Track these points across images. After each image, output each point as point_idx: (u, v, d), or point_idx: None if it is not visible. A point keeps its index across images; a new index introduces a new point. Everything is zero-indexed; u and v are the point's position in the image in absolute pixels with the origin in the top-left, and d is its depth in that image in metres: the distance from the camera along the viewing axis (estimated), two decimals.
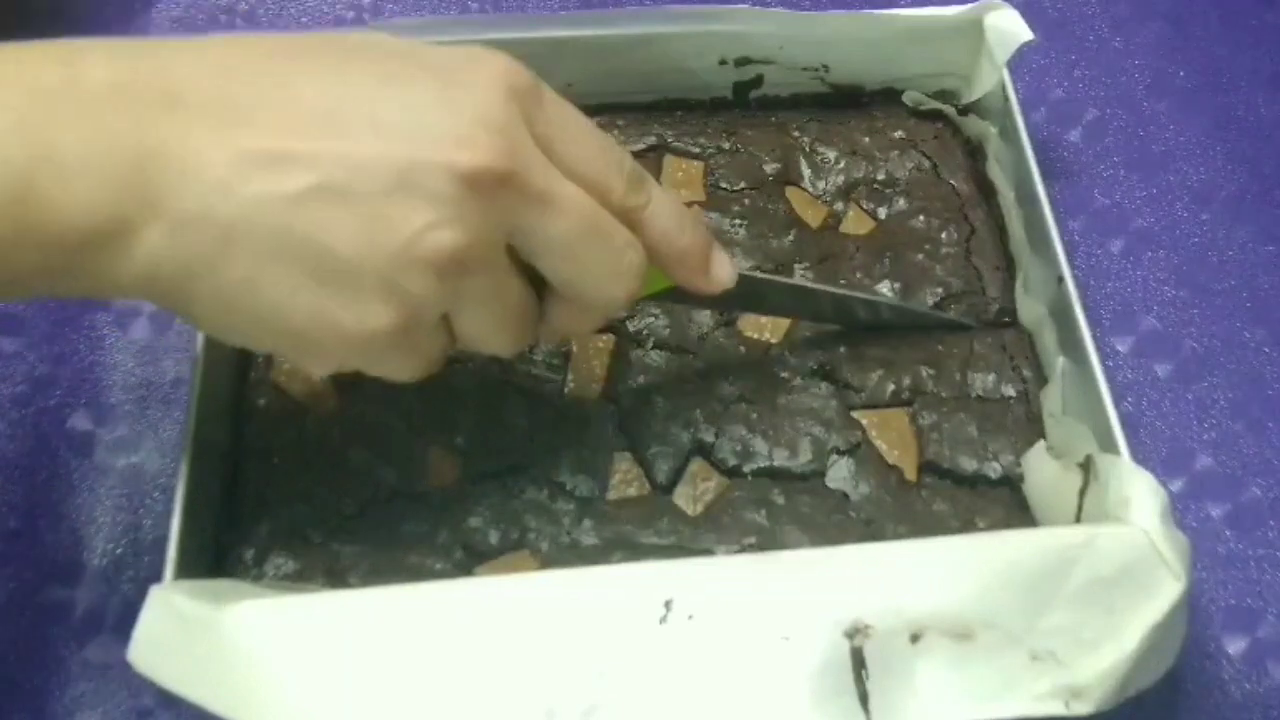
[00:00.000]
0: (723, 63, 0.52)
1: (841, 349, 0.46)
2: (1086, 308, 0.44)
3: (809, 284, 0.47)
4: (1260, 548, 0.46)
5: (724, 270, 0.39)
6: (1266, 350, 0.51)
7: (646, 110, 0.53)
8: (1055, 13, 0.62)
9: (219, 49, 0.32)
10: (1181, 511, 0.46)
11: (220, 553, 0.41)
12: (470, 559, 0.41)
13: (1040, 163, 0.48)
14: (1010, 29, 0.50)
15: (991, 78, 0.51)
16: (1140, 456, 0.40)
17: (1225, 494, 0.47)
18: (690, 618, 0.34)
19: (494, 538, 0.41)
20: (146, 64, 0.31)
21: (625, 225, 0.35)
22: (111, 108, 0.29)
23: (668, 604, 0.34)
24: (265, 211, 0.30)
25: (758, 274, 0.43)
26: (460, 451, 0.43)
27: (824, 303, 0.46)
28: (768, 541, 0.41)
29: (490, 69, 0.33)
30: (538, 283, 0.36)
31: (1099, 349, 0.43)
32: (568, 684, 0.33)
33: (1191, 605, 0.42)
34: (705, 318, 0.47)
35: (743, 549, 0.41)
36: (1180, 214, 0.55)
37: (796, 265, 0.48)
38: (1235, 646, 0.44)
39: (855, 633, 0.34)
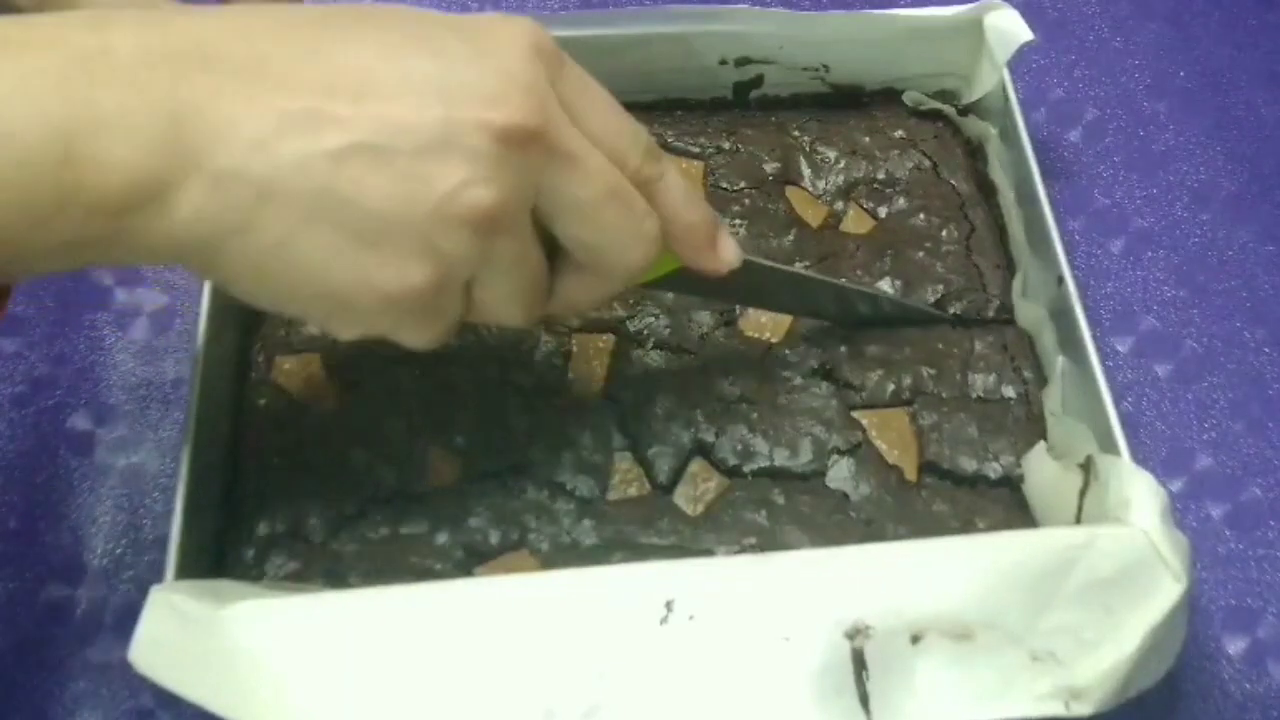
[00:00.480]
0: (723, 63, 0.52)
1: (842, 349, 0.46)
2: (1086, 308, 0.44)
3: (811, 274, 0.47)
4: (1260, 548, 0.46)
5: (730, 250, 0.39)
6: (1266, 350, 0.51)
7: (646, 110, 0.53)
8: (1055, 13, 0.62)
9: (249, 15, 0.32)
10: (1181, 511, 0.47)
11: (220, 553, 0.41)
12: (470, 559, 0.41)
13: (1040, 163, 0.48)
14: (1010, 29, 0.50)
15: (991, 78, 0.51)
16: (1140, 456, 0.40)
17: (1225, 494, 0.47)
18: (691, 618, 0.34)
19: (494, 538, 0.41)
20: (177, 28, 0.31)
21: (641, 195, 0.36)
22: (146, 69, 0.29)
23: (668, 604, 0.34)
24: (303, 171, 0.30)
25: (762, 261, 0.43)
26: (460, 451, 0.43)
27: (825, 295, 0.46)
28: (768, 542, 0.41)
29: (516, 30, 0.33)
30: (550, 254, 0.36)
31: (1099, 349, 0.43)
32: (568, 684, 0.33)
33: (1191, 605, 0.42)
34: (705, 317, 0.47)
35: (743, 549, 0.41)
36: (1180, 214, 0.55)
37: (797, 264, 0.48)
38: (1235, 646, 0.44)
39: (856, 633, 0.34)
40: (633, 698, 0.33)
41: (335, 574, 0.40)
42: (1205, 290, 0.52)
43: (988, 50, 0.51)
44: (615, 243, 0.35)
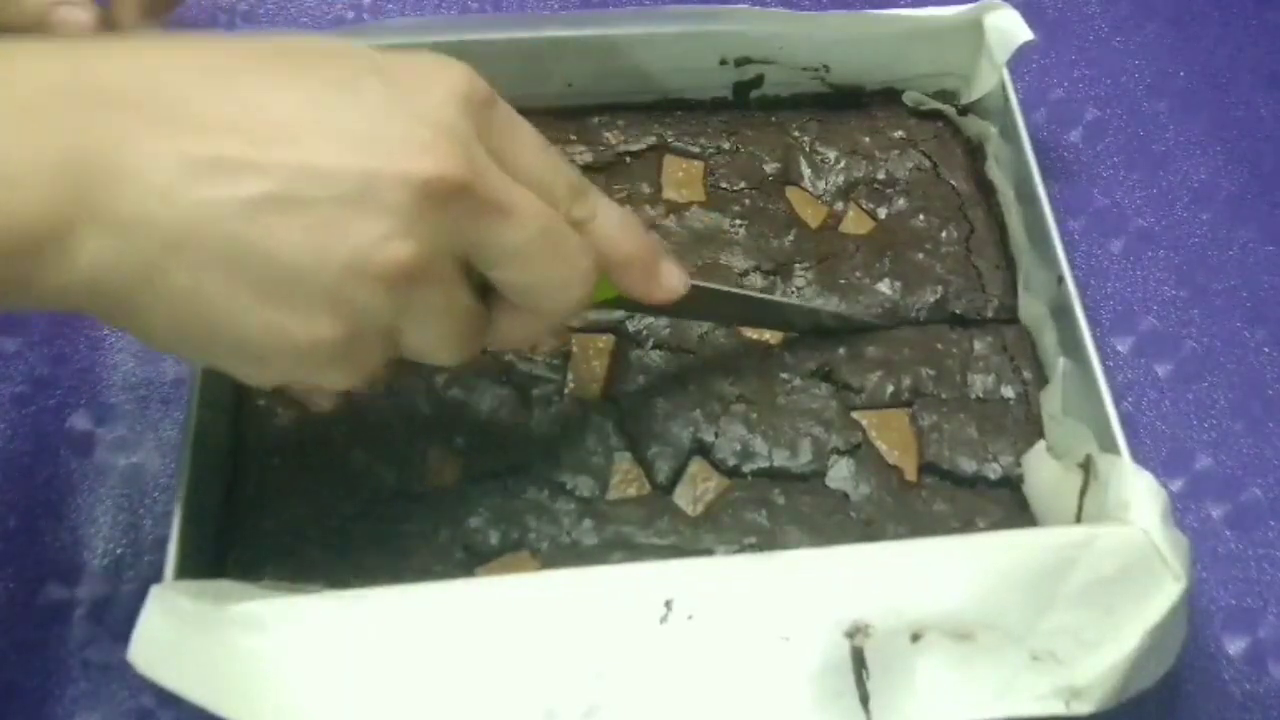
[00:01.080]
0: (723, 63, 0.52)
1: (841, 350, 0.46)
2: (1086, 308, 0.44)
3: (758, 294, 0.46)
4: (1260, 548, 0.46)
5: (673, 278, 0.38)
6: (1266, 350, 0.51)
7: (646, 110, 0.53)
8: (1055, 13, 0.62)
9: (162, 51, 0.31)
10: (1181, 511, 0.46)
11: (220, 553, 0.41)
12: (470, 559, 0.41)
13: (1040, 163, 0.48)
14: (1010, 29, 0.50)
15: (991, 78, 0.51)
16: (1140, 456, 0.40)
17: (1225, 494, 0.47)
18: (690, 618, 0.34)
19: (494, 538, 0.41)
20: (84, 65, 0.30)
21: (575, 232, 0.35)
22: (47, 109, 0.28)
23: (668, 604, 0.34)
24: (212, 219, 0.29)
25: (708, 284, 0.43)
26: (460, 451, 0.43)
27: (774, 313, 0.46)
28: (768, 542, 0.41)
29: (445, 77, 0.32)
30: (485, 291, 0.35)
31: (1099, 349, 0.43)
32: (568, 684, 0.33)
33: (1191, 605, 0.42)
34: None
35: (743, 549, 0.41)
36: (1180, 214, 0.55)
37: (797, 265, 0.48)
38: (1235, 646, 0.44)
39: (855, 633, 0.34)
40: (632, 697, 0.33)
41: (335, 574, 0.40)
42: (1205, 290, 0.52)
43: (987, 50, 0.51)
44: (550, 284, 0.34)
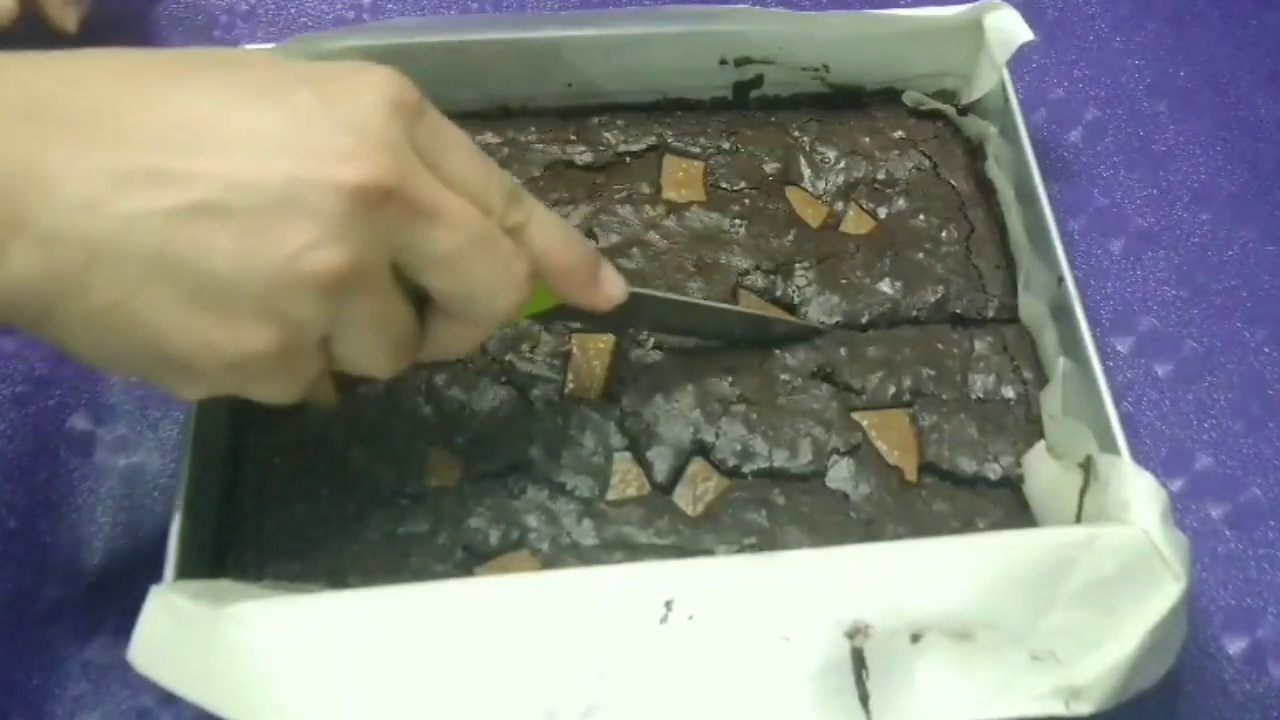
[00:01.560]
0: (723, 63, 0.52)
1: (841, 350, 0.46)
2: (1086, 308, 0.44)
3: (702, 301, 0.46)
4: (1260, 548, 0.46)
5: (612, 286, 0.38)
6: (1266, 350, 0.51)
7: (646, 110, 0.53)
8: (1055, 13, 0.62)
9: (88, 62, 0.31)
10: (1181, 511, 0.46)
11: (220, 553, 0.41)
12: (470, 559, 0.41)
13: (1040, 163, 0.48)
14: (1010, 29, 0.50)
15: (991, 78, 0.51)
16: (1140, 456, 0.40)
17: (1225, 494, 0.47)
18: (690, 618, 0.34)
19: (494, 538, 0.41)
20: (7, 76, 0.29)
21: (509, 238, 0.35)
22: None
23: (668, 604, 0.34)
24: (137, 230, 0.29)
25: (649, 291, 0.42)
26: (460, 451, 0.43)
27: (717, 320, 0.45)
28: (768, 542, 0.41)
29: (372, 81, 0.32)
30: (418, 301, 0.35)
31: (1099, 349, 0.43)
32: (568, 684, 0.33)
33: (1191, 605, 0.42)
34: None
35: (743, 549, 0.41)
36: (1180, 214, 0.55)
37: (797, 264, 0.48)
38: (1235, 646, 0.44)
39: (855, 633, 0.34)
40: (632, 697, 0.33)
41: (335, 574, 0.40)
42: (1205, 290, 0.52)
43: (987, 50, 0.51)
44: (483, 292, 0.34)
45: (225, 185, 0.29)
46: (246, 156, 0.30)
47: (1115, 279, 0.53)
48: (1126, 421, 0.41)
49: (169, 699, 0.34)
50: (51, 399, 0.48)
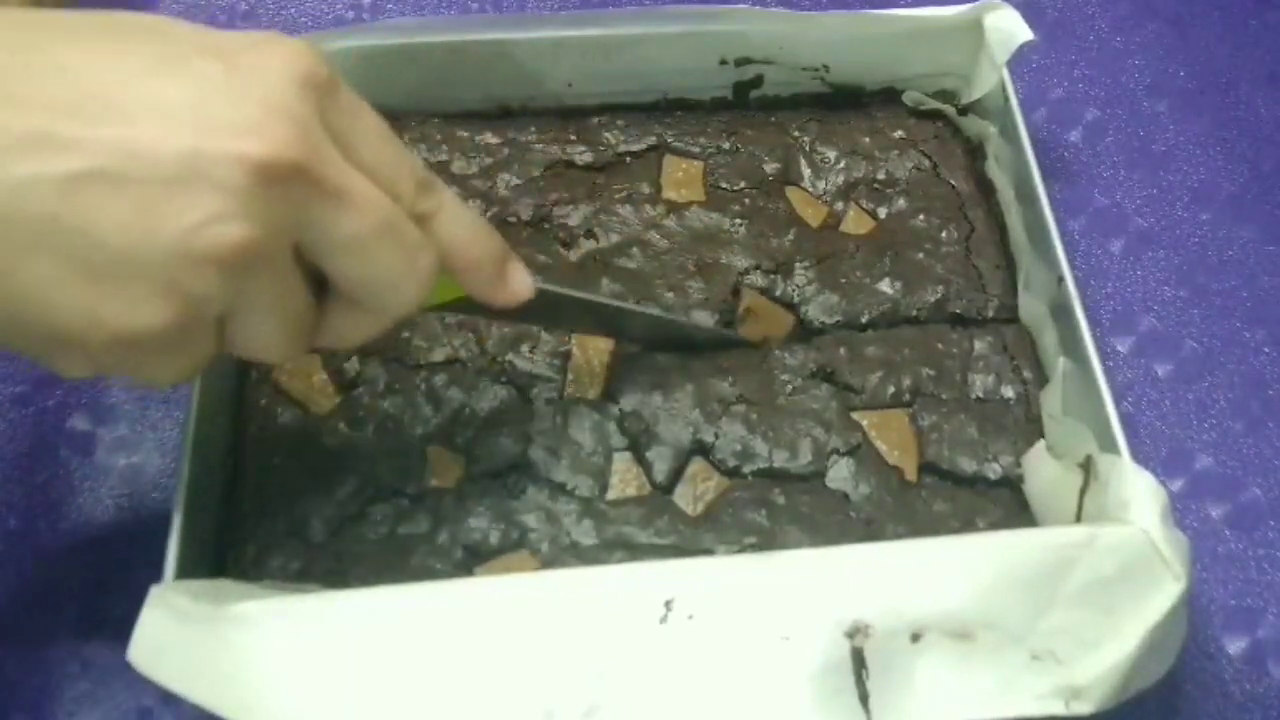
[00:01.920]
0: (723, 63, 0.52)
1: (841, 350, 0.46)
2: (1086, 308, 0.44)
3: (612, 302, 0.46)
4: (1260, 548, 0.46)
5: (520, 282, 0.37)
6: (1266, 350, 0.51)
7: (646, 110, 0.53)
8: (1055, 13, 0.62)
9: None
10: (1181, 511, 0.46)
11: (220, 553, 0.41)
12: (470, 559, 0.41)
13: (1040, 163, 0.48)
14: (1010, 29, 0.50)
15: (991, 78, 0.51)
16: (1140, 456, 0.40)
17: (1225, 494, 0.47)
18: (690, 618, 0.34)
19: (494, 538, 0.41)
20: None
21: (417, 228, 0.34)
22: None
23: (668, 604, 0.34)
24: (26, 197, 0.27)
25: (557, 289, 0.41)
26: (460, 451, 0.43)
27: (628, 321, 0.45)
28: (768, 542, 0.41)
29: (283, 54, 0.31)
30: (318, 286, 0.33)
31: (1099, 349, 0.43)
32: (567, 684, 0.33)
33: (1191, 605, 0.42)
34: (705, 318, 0.47)
35: (743, 549, 0.41)
36: (1180, 214, 0.55)
37: (797, 264, 0.48)
38: (1235, 646, 0.44)
39: (855, 633, 0.34)
40: (632, 697, 0.33)
41: (335, 574, 0.40)
42: (1205, 290, 0.52)
43: (987, 50, 0.51)
44: (386, 280, 0.33)
45: (124, 154, 0.28)
46: (147, 125, 0.28)
47: (1115, 279, 0.53)
48: (1126, 421, 0.41)
49: (169, 699, 0.34)
50: (51, 399, 0.48)
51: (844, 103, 0.54)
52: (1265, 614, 0.44)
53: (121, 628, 0.33)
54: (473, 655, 0.33)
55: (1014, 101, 0.50)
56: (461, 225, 0.35)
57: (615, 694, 0.33)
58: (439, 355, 0.45)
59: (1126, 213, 0.55)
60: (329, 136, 0.31)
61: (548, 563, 0.41)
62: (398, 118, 0.52)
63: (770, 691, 0.33)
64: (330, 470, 0.42)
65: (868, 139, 0.52)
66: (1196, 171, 0.56)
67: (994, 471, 0.43)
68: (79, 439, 0.47)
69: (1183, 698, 0.43)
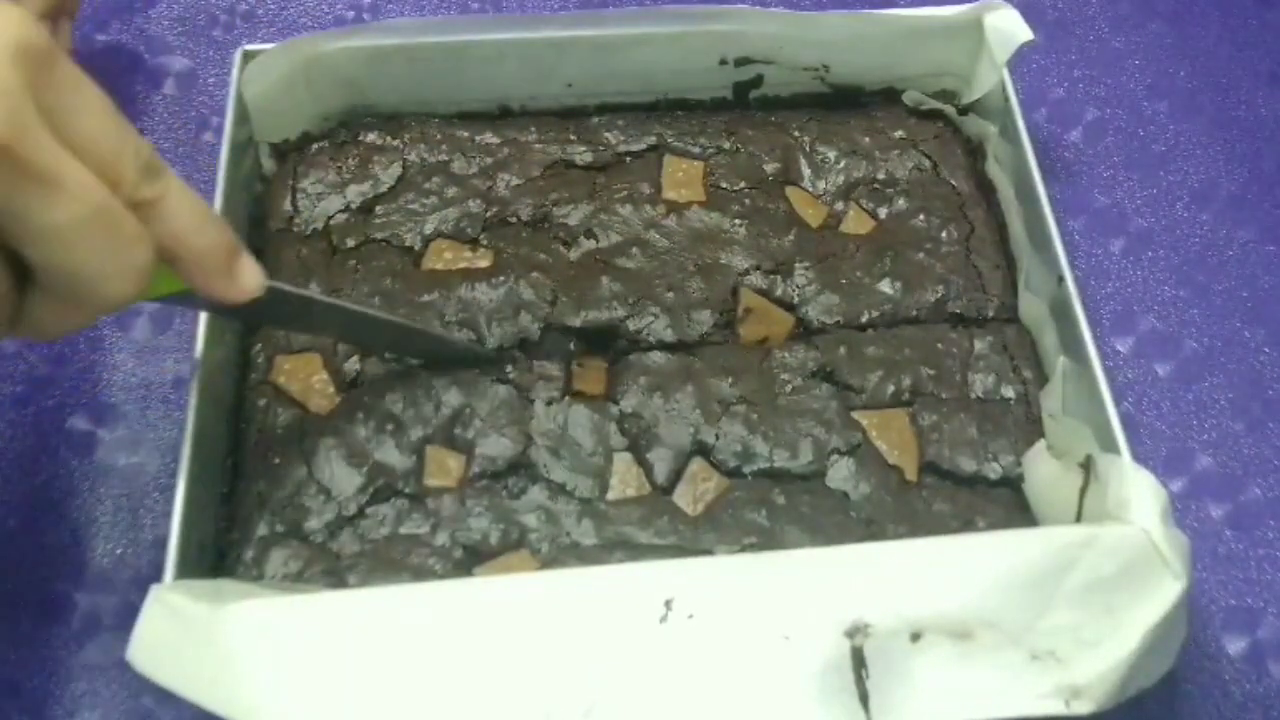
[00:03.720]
0: (723, 63, 0.52)
1: (841, 350, 0.46)
2: (1086, 307, 0.44)
3: (356, 307, 0.44)
4: (1260, 548, 0.46)
5: (249, 277, 0.35)
6: (1267, 350, 0.51)
7: (647, 110, 0.53)
8: (1055, 13, 0.62)
9: None
10: (1181, 511, 0.46)
11: (220, 553, 0.41)
12: (470, 559, 0.41)
13: (1040, 163, 0.48)
14: (1010, 29, 0.50)
15: (991, 78, 0.51)
16: (1140, 456, 0.40)
17: (1225, 494, 0.47)
18: (690, 617, 0.34)
19: (494, 538, 0.41)
20: None
21: (134, 218, 0.31)
22: None
23: (668, 604, 0.34)
24: None
25: (293, 289, 0.40)
26: (460, 451, 0.43)
27: (376, 331, 0.44)
28: (768, 541, 0.41)
29: None
30: (18, 271, 0.31)
31: (1099, 349, 0.43)
32: (567, 684, 0.33)
33: (1191, 605, 0.42)
34: (705, 317, 0.47)
35: (743, 549, 0.41)
36: (1180, 214, 0.55)
37: (797, 264, 0.48)
38: (1235, 646, 0.44)
39: (855, 632, 0.34)
40: (631, 697, 0.33)
41: (335, 574, 0.40)
42: (1205, 290, 0.52)
43: (988, 50, 0.51)
44: (93, 274, 0.30)
45: None
46: None
47: (1115, 279, 0.53)
48: (1127, 421, 0.41)
49: (169, 699, 0.34)
50: (51, 399, 0.48)
51: (844, 103, 0.54)
52: (1265, 614, 0.44)
53: (121, 628, 0.34)
54: (471, 655, 0.33)
55: (1014, 101, 0.50)
56: (186, 214, 0.32)
57: (615, 693, 0.33)
58: (439, 356, 0.45)
59: (1126, 213, 0.55)
60: (39, 113, 0.28)
61: (547, 563, 0.41)
62: (398, 118, 0.52)
63: (770, 691, 0.33)
64: (330, 470, 0.42)
65: (868, 139, 0.52)
66: (1196, 171, 0.56)
67: (994, 471, 0.43)
68: (79, 439, 0.47)
69: (1183, 698, 0.43)
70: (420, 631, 0.33)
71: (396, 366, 0.45)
